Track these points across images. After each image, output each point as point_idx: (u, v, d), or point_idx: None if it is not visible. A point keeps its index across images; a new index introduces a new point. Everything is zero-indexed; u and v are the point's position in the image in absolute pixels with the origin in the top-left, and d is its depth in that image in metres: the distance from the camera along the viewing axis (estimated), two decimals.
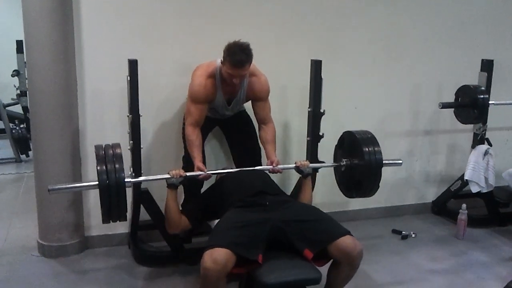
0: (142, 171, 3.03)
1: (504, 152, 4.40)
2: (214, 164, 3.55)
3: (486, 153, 3.82)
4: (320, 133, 3.29)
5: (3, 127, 5.79)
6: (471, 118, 3.77)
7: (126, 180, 2.55)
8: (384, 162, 2.95)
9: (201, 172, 2.93)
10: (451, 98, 3.87)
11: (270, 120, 3.22)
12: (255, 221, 2.51)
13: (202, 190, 3.25)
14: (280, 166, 3.06)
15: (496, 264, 3.44)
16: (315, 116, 3.28)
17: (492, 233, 3.94)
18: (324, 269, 2.53)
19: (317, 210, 2.74)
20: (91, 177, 3.34)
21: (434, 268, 3.36)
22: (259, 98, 3.16)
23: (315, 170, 3.32)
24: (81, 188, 3.03)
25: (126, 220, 2.68)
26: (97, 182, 2.50)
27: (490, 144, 3.89)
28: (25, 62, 3.54)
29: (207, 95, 3.03)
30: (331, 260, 2.54)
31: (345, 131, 3.14)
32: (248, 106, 3.35)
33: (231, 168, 3.38)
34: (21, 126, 5.63)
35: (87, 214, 3.45)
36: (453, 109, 3.89)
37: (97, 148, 2.62)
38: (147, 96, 3.18)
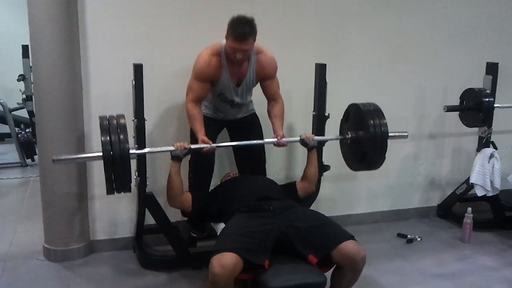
0: (147, 175, 3.04)
1: (510, 155, 4.38)
2: (217, 168, 3.55)
3: (491, 156, 3.80)
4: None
5: (9, 131, 5.82)
6: (476, 121, 3.76)
7: (130, 151, 2.54)
8: (389, 134, 2.91)
9: (206, 145, 2.90)
10: (456, 102, 3.86)
11: (279, 97, 3.19)
12: (261, 226, 2.51)
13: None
14: (285, 139, 3.04)
15: (502, 268, 3.43)
16: (319, 119, 3.29)
17: (498, 236, 3.92)
18: (328, 274, 2.53)
19: (320, 214, 2.74)
20: (96, 181, 3.36)
21: (439, 272, 3.35)
22: (268, 75, 3.11)
23: (321, 170, 3.32)
24: (85, 159, 3.01)
25: (130, 191, 2.66)
26: (101, 153, 2.49)
27: (495, 148, 3.88)
28: (30, 67, 3.55)
29: (211, 73, 2.98)
30: (335, 265, 2.53)
31: (351, 104, 3.09)
32: (259, 111, 3.34)
33: (236, 172, 3.39)
34: (27, 130, 5.64)
35: (92, 218, 3.46)
36: (458, 113, 3.89)
37: (102, 118, 2.60)
38: (152, 100, 3.19)
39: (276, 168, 3.72)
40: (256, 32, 2.86)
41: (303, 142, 3.06)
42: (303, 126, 3.61)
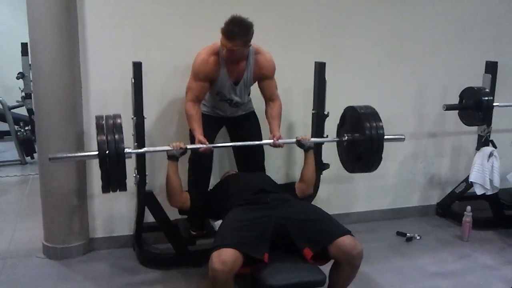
0: (147, 173, 3.04)
1: (509, 154, 4.37)
2: (217, 166, 3.55)
3: (490, 155, 3.80)
4: (324, 135, 3.29)
5: (8, 129, 5.81)
6: (476, 120, 3.77)
7: (125, 150, 2.55)
8: (385, 137, 2.92)
9: (202, 145, 2.91)
10: (455, 100, 3.86)
11: (277, 97, 3.20)
12: (259, 219, 2.52)
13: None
14: (281, 140, 3.05)
15: (502, 267, 3.43)
16: (319, 118, 3.29)
17: (497, 235, 3.92)
18: (326, 271, 2.53)
19: (318, 209, 2.75)
20: (96, 178, 3.35)
21: (438, 270, 3.35)
22: (266, 76, 3.13)
23: (320, 169, 3.32)
24: (81, 158, 3.01)
25: (125, 190, 2.67)
26: (96, 152, 2.50)
27: (494, 146, 3.88)
28: (30, 65, 3.55)
29: (209, 71, 3.00)
30: (332, 261, 2.54)
31: (347, 106, 3.10)
32: (257, 105, 3.35)
33: (235, 172, 3.40)
34: (26, 128, 5.64)
35: (92, 216, 3.46)
36: (457, 111, 3.88)
37: (98, 118, 2.61)
38: (152, 98, 3.19)
39: (275, 167, 3.72)
40: (248, 38, 2.88)
41: (299, 143, 3.07)
42: (303, 124, 3.61)
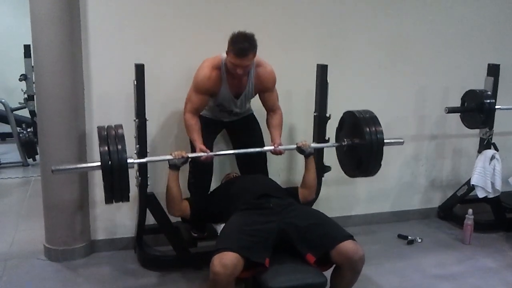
0: (148, 175, 3.04)
1: (511, 157, 4.38)
2: (218, 169, 3.55)
3: (492, 158, 3.80)
4: (326, 138, 3.29)
5: (11, 131, 5.82)
6: (478, 122, 3.76)
7: (128, 161, 2.56)
8: (385, 141, 2.92)
9: (203, 154, 2.92)
10: (457, 103, 3.86)
11: (278, 108, 3.22)
12: (261, 224, 2.52)
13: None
14: (282, 147, 3.07)
15: (503, 270, 3.42)
16: (321, 120, 3.29)
17: (498, 238, 3.92)
18: (328, 274, 2.53)
19: (320, 213, 2.75)
20: (98, 180, 3.36)
21: (440, 273, 3.35)
22: (267, 88, 3.15)
23: (322, 171, 3.32)
24: (84, 169, 3.02)
25: (128, 200, 2.68)
26: (99, 163, 2.51)
27: (496, 149, 3.87)
28: (32, 67, 3.56)
29: (211, 86, 3.02)
30: (334, 265, 2.53)
31: (346, 111, 3.11)
32: (255, 108, 3.36)
33: (236, 174, 3.40)
34: (28, 130, 5.65)
35: (93, 218, 3.46)
36: (459, 114, 3.88)
37: (100, 129, 2.62)
38: (154, 100, 3.20)
39: (277, 169, 3.72)
40: (256, 48, 2.89)
41: (299, 149, 3.08)
42: (304, 127, 3.61)
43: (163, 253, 3.33)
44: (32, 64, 3.39)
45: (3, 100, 5.76)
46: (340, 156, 3.22)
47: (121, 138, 2.57)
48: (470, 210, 3.78)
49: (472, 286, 3.20)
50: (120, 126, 2.64)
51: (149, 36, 3.33)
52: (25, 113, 6.13)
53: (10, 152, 5.97)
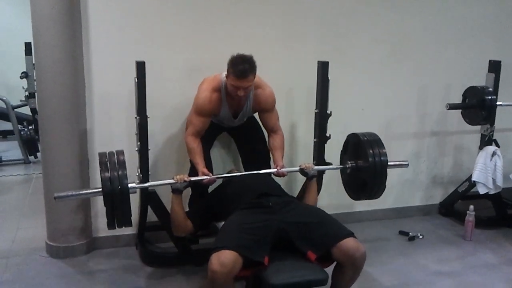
0: (150, 172, 3.04)
1: None
2: (221, 167, 3.56)
3: (493, 154, 3.80)
4: (327, 135, 3.29)
5: (12, 128, 5.83)
6: (479, 119, 3.76)
7: (129, 186, 2.57)
8: (389, 163, 2.94)
9: (206, 177, 2.93)
10: (458, 99, 3.86)
11: (278, 128, 3.24)
12: (260, 222, 2.52)
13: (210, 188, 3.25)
14: (284, 169, 3.07)
15: (504, 266, 3.43)
16: (322, 117, 3.29)
17: (500, 234, 3.92)
18: (329, 271, 2.53)
19: (320, 211, 2.75)
20: (98, 178, 3.34)
21: (441, 269, 3.35)
22: (266, 109, 3.17)
23: (322, 172, 3.32)
24: (86, 195, 3.02)
25: (131, 226, 2.70)
26: (101, 189, 2.53)
27: (497, 145, 3.87)
28: (33, 64, 3.56)
29: (212, 109, 3.05)
30: (335, 262, 2.54)
31: (350, 134, 3.13)
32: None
33: (238, 171, 3.40)
34: (30, 127, 5.66)
35: (95, 215, 3.47)
36: (460, 110, 3.88)
37: (101, 155, 2.64)
38: (155, 98, 3.20)
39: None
40: (256, 69, 2.90)
41: (302, 171, 3.06)
42: (305, 124, 3.61)
43: (164, 250, 3.34)
44: (33, 62, 3.39)
45: (4, 98, 5.77)
46: (344, 179, 3.23)
47: (121, 164, 2.58)
48: (471, 207, 3.78)
49: (473, 283, 3.21)
50: (121, 152, 2.64)
51: (150, 33, 3.33)
52: (26, 110, 6.13)
53: (12, 149, 5.98)
